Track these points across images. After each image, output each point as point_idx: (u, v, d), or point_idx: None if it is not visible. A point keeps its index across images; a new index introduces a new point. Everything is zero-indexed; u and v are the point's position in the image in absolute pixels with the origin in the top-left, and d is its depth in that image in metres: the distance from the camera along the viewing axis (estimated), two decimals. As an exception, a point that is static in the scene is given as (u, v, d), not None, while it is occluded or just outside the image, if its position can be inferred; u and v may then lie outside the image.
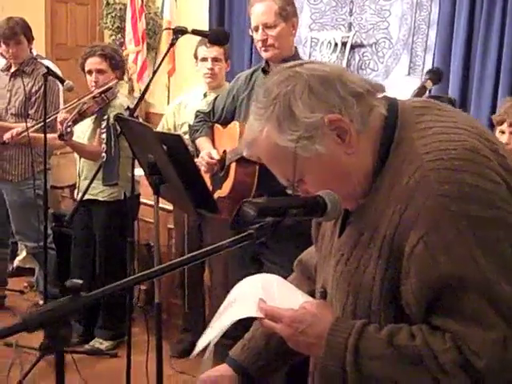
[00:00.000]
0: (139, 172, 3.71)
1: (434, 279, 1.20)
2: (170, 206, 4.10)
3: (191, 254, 1.19)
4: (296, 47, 3.18)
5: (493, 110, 4.86)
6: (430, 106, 1.37)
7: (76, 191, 4.15)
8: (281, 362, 1.67)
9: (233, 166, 3.08)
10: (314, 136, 1.28)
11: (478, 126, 1.34)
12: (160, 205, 4.25)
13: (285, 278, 2.96)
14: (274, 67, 3.08)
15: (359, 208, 1.36)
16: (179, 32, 2.85)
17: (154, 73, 2.93)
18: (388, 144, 1.31)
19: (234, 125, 3.16)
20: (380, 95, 1.35)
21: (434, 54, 5.43)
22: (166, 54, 2.92)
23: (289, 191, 1.36)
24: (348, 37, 5.89)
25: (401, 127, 1.32)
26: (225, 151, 3.17)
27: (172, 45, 2.88)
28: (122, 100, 4.03)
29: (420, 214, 1.21)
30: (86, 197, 3.84)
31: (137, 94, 7.61)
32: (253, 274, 3.13)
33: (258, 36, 3.05)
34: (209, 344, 1.43)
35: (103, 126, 3.40)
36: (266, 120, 1.31)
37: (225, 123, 3.26)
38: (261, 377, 1.66)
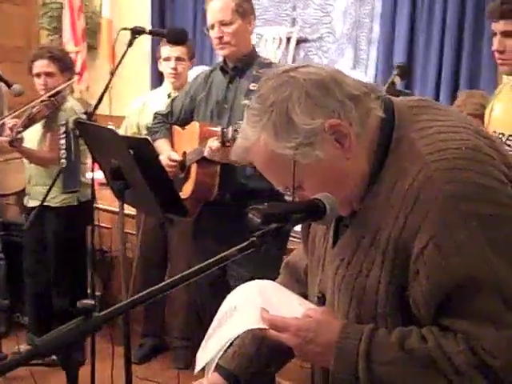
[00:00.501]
0: (92, 175, 3.62)
1: (446, 280, 1.18)
2: (125, 211, 4.01)
3: (204, 264, 1.15)
4: (253, 44, 3.15)
5: (436, 101, 4.92)
6: (426, 104, 1.35)
7: (26, 198, 4.01)
8: (272, 368, 1.65)
9: (193, 167, 3.04)
10: (314, 142, 1.25)
11: (473, 123, 1.34)
12: (113, 208, 4.22)
13: (246, 277, 2.97)
14: (230, 65, 3.06)
15: (357, 211, 1.34)
16: (137, 32, 2.79)
17: (112, 74, 2.86)
18: (386, 145, 1.29)
19: (194, 125, 3.11)
20: (375, 95, 1.33)
21: (378, 48, 5.47)
22: (123, 56, 2.84)
23: (287, 198, 1.33)
24: (292, 32, 5.89)
25: (398, 127, 1.30)
26: (185, 152, 3.12)
27: (130, 45, 2.81)
28: (73, 103, 3.93)
29: (427, 215, 1.19)
30: (37, 203, 3.74)
31: (76, 95, 7.44)
32: (216, 275, 3.16)
33: (213, 33, 3.01)
34: (211, 359, 1.38)
35: (61, 131, 3.30)
36: (261, 128, 1.27)
37: (184, 124, 3.21)
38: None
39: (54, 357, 3.94)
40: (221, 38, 2.99)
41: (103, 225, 4.17)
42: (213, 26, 3.02)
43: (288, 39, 5.91)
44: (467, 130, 1.29)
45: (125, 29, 2.85)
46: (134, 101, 4.34)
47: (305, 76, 1.28)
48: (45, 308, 4.08)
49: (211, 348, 1.38)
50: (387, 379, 1.23)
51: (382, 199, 1.28)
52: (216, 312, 3.13)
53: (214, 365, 1.36)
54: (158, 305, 4.07)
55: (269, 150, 1.28)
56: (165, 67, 3.97)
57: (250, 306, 1.39)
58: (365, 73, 5.65)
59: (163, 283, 1.12)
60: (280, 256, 3.04)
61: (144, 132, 3.95)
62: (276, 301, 1.40)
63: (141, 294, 1.09)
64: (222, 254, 1.18)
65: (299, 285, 1.62)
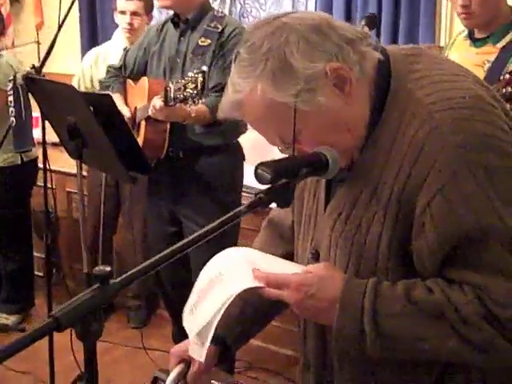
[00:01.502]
0: (35, 134, 3.47)
1: (454, 232, 1.17)
2: (69, 170, 3.89)
3: (211, 226, 1.09)
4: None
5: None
6: (420, 53, 1.32)
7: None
8: (257, 328, 1.62)
9: (142, 124, 2.96)
10: (315, 88, 1.20)
11: (470, 71, 1.33)
12: (57, 168, 4.08)
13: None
14: (182, 17, 2.97)
15: (354, 164, 1.30)
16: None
17: (60, 27, 2.73)
18: (384, 91, 1.26)
19: (143, 80, 3.02)
20: (367, 42, 1.28)
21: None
22: (71, 6, 2.71)
23: (284, 153, 1.28)
24: (229, -16, 5.76)
25: (395, 77, 1.26)
26: (136, 108, 3.04)
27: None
28: (7, 58, 3.73)
29: (433, 166, 1.17)
30: (-22, 164, 3.58)
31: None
32: (172, 232, 3.11)
33: None
34: (206, 325, 1.30)
35: (9, 87, 3.13)
36: (256, 77, 1.21)
37: (137, 78, 3.12)
38: (238, 344, 1.59)
39: (3, 321, 3.86)
40: None
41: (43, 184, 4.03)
42: None
43: (225, -9, 5.79)
44: (467, 78, 1.27)
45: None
46: (86, 55, 4.15)
47: (299, 21, 1.23)
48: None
49: (204, 315, 1.31)
50: (394, 332, 1.21)
51: (382, 150, 1.25)
52: (174, 269, 3.09)
53: (211, 330, 1.28)
54: (108, 264, 4.01)
55: (267, 100, 1.22)
56: (120, 21, 3.80)
57: (239, 269, 1.33)
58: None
59: (176, 246, 1.06)
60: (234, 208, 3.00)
61: (98, 87, 3.81)
62: (263, 263, 1.35)
63: (155, 258, 1.03)
64: (230, 214, 1.12)
65: (284, 241, 1.58)
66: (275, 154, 1.30)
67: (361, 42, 1.25)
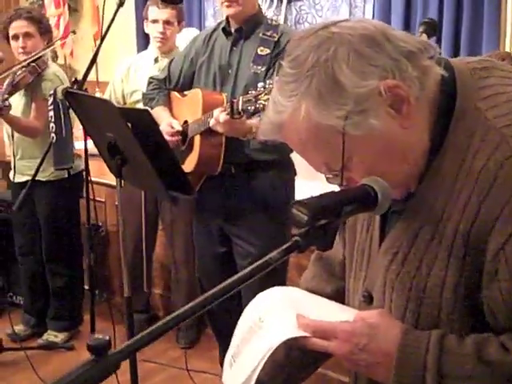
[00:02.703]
0: (79, 145, 3.40)
1: None
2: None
3: (248, 269, 0.94)
4: (259, 4, 2.92)
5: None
6: (490, 65, 1.14)
7: (11, 172, 3.77)
8: (304, 374, 1.44)
9: (197, 138, 2.82)
10: (367, 109, 1.03)
11: None
12: (105, 181, 4.00)
13: (254, 255, 2.79)
14: (234, 26, 2.83)
15: (413, 195, 1.13)
16: (128, -9, 2.56)
17: (102, 39, 2.63)
18: (448, 111, 1.09)
19: (196, 93, 2.87)
20: (428, 54, 1.10)
21: (373, 5, 5.24)
22: (113, 17, 2.61)
23: (332, 184, 1.12)
24: (284, -10, 5.64)
25: (461, 95, 1.09)
26: (186, 122, 2.90)
27: (121, 5, 2.59)
28: (55, 69, 3.68)
29: (510, 202, 1.00)
30: (25, 178, 3.54)
31: (60, 61, 7.15)
32: (221, 252, 2.98)
33: None
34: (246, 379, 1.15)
35: (50, 102, 3.05)
36: (301, 96, 1.05)
37: (182, 89, 2.99)
38: None
39: (52, 339, 3.80)
40: None
41: (96, 198, 3.96)
42: None
43: (280, -2, 5.67)
44: None
45: (117, -12, 2.61)
46: (119, 65, 4.02)
47: (350, 31, 1.06)
48: (41, 287, 3.90)
49: (242, 369, 1.17)
50: None
51: (446, 181, 1.08)
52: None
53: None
54: (142, 283, 3.91)
55: (312, 122, 1.06)
56: (152, 30, 3.68)
57: (281, 315, 1.19)
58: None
59: (203, 297, 0.91)
60: (289, 232, 2.85)
61: (129, 100, 3.71)
62: (309, 306, 1.20)
63: (168, 317, 0.88)
64: (265, 258, 0.96)
65: (335, 278, 1.42)
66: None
67: (421, 55, 1.08)
